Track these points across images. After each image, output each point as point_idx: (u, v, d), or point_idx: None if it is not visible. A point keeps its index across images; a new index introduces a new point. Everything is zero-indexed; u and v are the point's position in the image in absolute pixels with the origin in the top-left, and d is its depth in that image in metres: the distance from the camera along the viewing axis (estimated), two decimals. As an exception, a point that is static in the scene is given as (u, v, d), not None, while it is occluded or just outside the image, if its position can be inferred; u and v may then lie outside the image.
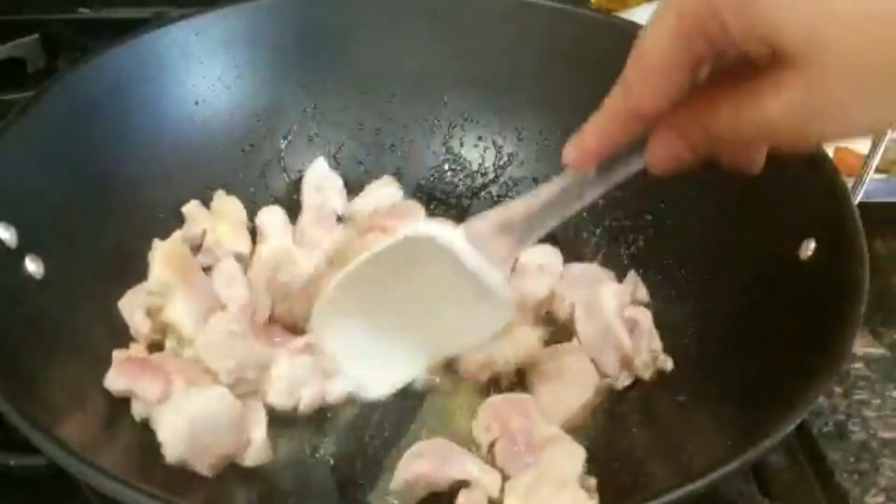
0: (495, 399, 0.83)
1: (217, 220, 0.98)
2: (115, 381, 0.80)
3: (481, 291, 0.67)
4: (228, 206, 1.00)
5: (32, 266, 0.79)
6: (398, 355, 0.75)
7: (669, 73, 0.52)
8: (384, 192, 1.06)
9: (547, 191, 0.65)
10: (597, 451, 0.78)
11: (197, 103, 1.01)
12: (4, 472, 0.66)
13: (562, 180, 0.64)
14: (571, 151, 0.62)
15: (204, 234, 0.95)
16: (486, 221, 0.67)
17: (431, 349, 0.76)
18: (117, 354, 0.82)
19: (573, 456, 0.77)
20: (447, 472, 0.75)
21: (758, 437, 0.63)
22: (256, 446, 0.80)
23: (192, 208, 0.98)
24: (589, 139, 0.59)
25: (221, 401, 0.78)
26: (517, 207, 0.66)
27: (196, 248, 0.96)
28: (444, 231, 0.67)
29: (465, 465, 0.76)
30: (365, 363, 0.75)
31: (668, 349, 0.89)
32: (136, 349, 0.85)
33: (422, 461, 0.76)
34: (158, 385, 0.80)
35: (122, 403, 0.80)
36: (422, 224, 0.72)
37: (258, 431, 0.80)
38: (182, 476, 0.75)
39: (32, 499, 0.78)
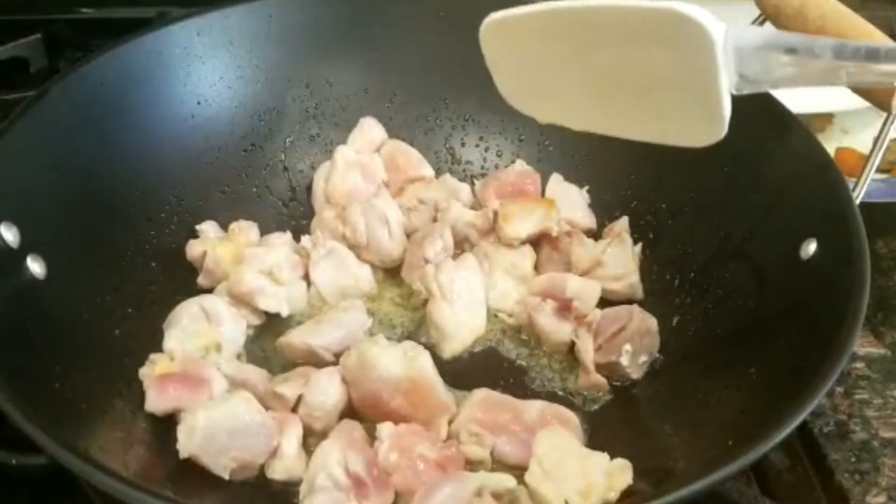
0: (469, 411, 0.82)
1: (222, 242, 0.97)
2: (157, 402, 0.80)
3: (706, 99, 0.63)
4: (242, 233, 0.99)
5: (35, 266, 0.79)
6: (570, 99, 0.71)
7: None
8: (369, 135, 1.08)
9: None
10: (598, 449, 0.78)
11: (199, 103, 1.02)
12: (6, 471, 0.66)
13: None
14: None
15: (204, 255, 0.95)
16: (755, 33, 0.63)
17: (609, 118, 0.71)
18: (146, 372, 0.81)
19: (566, 428, 0.78)
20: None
21: (758, 437, 0.63)
22: (286, 458, 0.78)
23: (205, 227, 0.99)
24: None
25: (246, 407, 0.77)
26: (798, 36, 0.63)
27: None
28: (712, 21, 0.61)
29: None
30: (527, 82, 0.73)
31: (669, 349, 0.89)
32: (161, 362, 0.82)
33: None
34: (203, 394, 0.80)
35: (128, 404, 0.80)
36: (683, 3, 0.63)
37: (290, 444, 0.78)
38: (191, 479, 0.75)
39: (33, 497, 0.78)
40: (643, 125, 0.70)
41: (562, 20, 0.68)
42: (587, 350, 0.87)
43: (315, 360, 0.87)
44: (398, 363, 0.81)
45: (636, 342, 0.88)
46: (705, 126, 0.66)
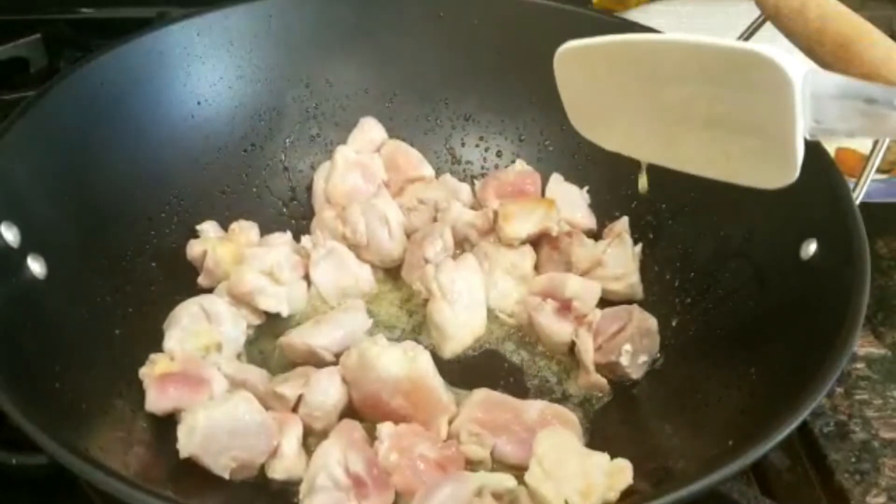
0: (469, 411, 0.82)
1: (222, 242, 0.97)
2: (158, 402, 0.79)
3: (778, 142, 0.62)
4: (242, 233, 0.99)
5: (35, 266, 0.79)
6: (638, 131, 0.72)
7: None
8: (369, 135, 1.08)
9: None
10: (598, 449, 0.78)
11: (199, 103, 1.02)
12: (6, 471, 0.66)
13: None
14: None
15: (204, 255, 0.95)
16: (834, 80, 0.61)
17: (676, 153, 0.71)
18: (146, 372, 0.81)
19: (567, 429, 0.78)
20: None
21: (758, 437, 0.63)
22: (286, 458, 0.78)
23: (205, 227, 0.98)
24: None
25: (246, 407, 0.77)
26: (879, 87, 0.61)
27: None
28: (793, 65, 0.60)
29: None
30: (596, 111, 0.73)
31: (669, 349, 0.89)
32: (161, 362, 0.82)
33: None
34: (203, 394, 0.80)
35: (128, 404, 0.80)
36: (763, 45, 0.61)
37: (290, 444, 0.78)
38: (192, 479, 0.75)
39: (33, 497, 0.78)
40: (711, 163, 0.70)
41: (637, 53, 0.68)
42: (587, 350, 0.87)
43: (315, 360, 0.87)
44: (398, 363, 0.81)
45: (636, 342, 0.88)
46: (776, 169, 0.65)
